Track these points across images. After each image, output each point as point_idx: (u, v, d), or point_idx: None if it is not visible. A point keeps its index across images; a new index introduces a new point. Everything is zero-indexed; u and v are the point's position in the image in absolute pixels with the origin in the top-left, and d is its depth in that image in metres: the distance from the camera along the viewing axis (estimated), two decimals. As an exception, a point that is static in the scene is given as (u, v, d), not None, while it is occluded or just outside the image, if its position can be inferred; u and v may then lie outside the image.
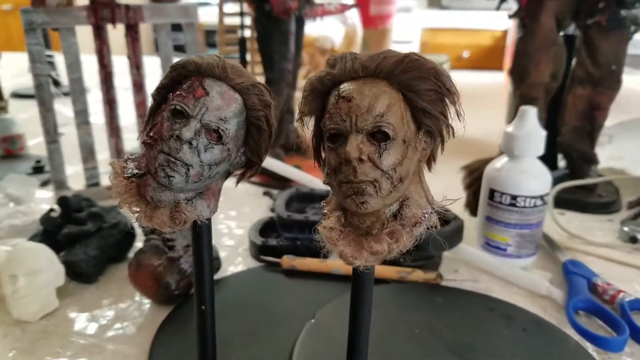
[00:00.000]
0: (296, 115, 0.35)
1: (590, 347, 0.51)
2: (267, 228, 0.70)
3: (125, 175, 0.36)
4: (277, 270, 0.63)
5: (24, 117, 1.10)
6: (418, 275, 0.60)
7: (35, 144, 1.04)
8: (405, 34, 3.13)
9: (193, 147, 0.34)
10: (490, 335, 0.52)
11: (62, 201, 0.65)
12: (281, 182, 0.89)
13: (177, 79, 0.36)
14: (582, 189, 0.83)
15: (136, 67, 0.79)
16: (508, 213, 0.62)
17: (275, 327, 0.53)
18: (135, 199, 0.35)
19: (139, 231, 0.68)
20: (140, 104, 0.82)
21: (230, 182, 0.41)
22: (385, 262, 0.61)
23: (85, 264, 0.60)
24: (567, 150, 0.85)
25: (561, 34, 0.81)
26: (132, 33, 0.77)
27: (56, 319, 0.55)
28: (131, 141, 0.93)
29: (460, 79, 1.21)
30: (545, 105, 0.82)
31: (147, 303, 0.58)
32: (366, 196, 0.30)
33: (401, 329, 0.52)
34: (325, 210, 0.34)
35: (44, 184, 0.87)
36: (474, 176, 0.72)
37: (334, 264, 0.61)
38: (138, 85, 0.81)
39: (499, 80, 1.82)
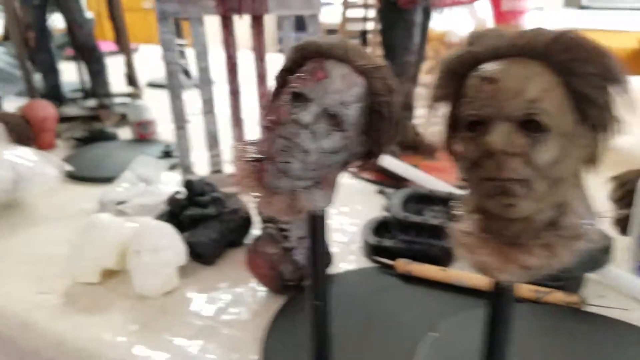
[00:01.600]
0: (424, 103, 0.31)
1: None
2: (380, 228, 0.68)
3: (245, 159, 0.35)
4: (391, 273, 0.60)
5: (157, 105, 1.18)
6: (557, 297, 0.53)
7: (165, 130, 1.11)
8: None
9: (312, 132, 0.32)
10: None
11: (187, 184, 0.68)
12: (396, 181, 0.85)
13: (299, 61, 0.35)
14: None
15: (260, 59, 0.81)
16: None
17: (389, 333, 0.50)
18: (255, 184, 0.34)
19: (256, 218, 0.69)
20: (263, 95, 0.83)
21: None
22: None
23: (207, 246, 0.61)
24: None
25: None
26: (257, 24, 0.79)
27: (175, 297, 0.57)
28: (254, 132, 0.96)
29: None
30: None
31: (261, 290, 0.58)
32: (514, 197, 0.26)
33: (534, 355, 0.46)
34: (461, 211, 0.31)
35: (172, 167, 0.92)
36: (625, 189, 0.64)
37: (458, 274, 0.57)
38: (262, 77, 0.82)
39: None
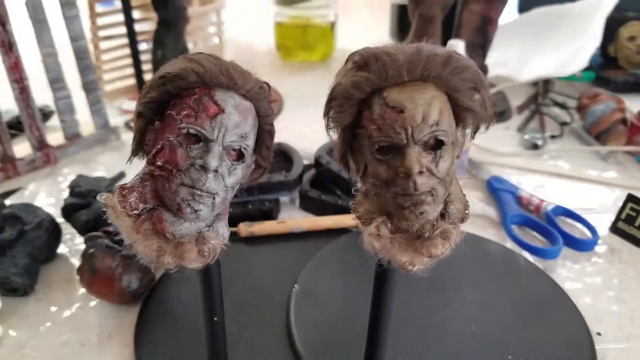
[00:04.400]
0: (327, 125, 0.32)
1: (531, 258, 0.59)
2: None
3: (132, 212, 0.31)
4: (235, 240, 0.60)
5: None
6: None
7: None
8: None
9: (217, 174, 0.30)
10: (454, 266, 0.57)
11: (-43, 208, 0.54)
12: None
13: (173, 92, 0.31)
14: (479, 101, 0.90)
15: (1, 23, 0.64)
16: None
17: (260, 302, 0.52)
18: (155, 239, 0.30)
19: (64, 224, 0.59)
20: (12, 66, 0.67)
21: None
22: (341, 211, 0.63)
23: (20, 277, 0.52)
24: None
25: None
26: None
27: (7, 347, 0.48)
28: (5, 107, 0.78)
29: None
30: (441, 23, 0.85)
31: (105, 305, 0.52)
32: (425, 205, 0.29)
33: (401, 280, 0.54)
34: (359, 213, 0.33)
35: None
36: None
37: (294, 222, 0.61)
38: (7, 45, 0.66)
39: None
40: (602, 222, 0.64)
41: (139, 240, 0.30)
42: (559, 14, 1.00)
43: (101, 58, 0.91)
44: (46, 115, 0.87)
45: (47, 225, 0.56)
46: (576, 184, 0.74)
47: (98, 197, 0.31)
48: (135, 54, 0.83)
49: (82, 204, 0.59)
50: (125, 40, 0.92)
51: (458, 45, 0.64)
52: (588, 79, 1.01)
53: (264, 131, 0.33)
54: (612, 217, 0.64)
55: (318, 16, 1.09)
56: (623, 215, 0.62)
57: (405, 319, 0.49)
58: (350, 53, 0.31)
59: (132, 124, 0.87)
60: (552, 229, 0.61)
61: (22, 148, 0.75)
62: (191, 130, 0.29)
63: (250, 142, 0.32)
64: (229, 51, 1.20)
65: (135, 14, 0.87)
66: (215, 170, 0.30)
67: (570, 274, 0.57)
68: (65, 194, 0.62)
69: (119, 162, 0.78)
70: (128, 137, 0.85)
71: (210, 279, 0.37)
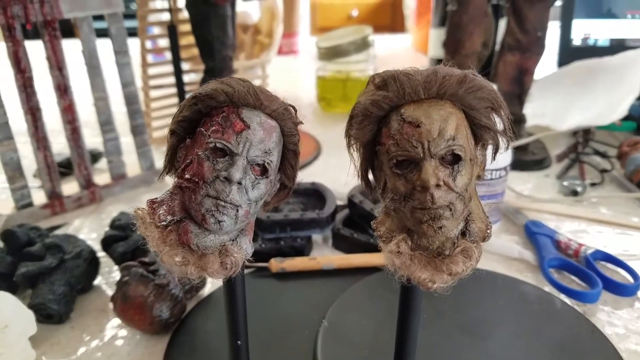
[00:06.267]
0: (348, 142, 0.33)
1: (569, 302, 0.56)
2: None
3: (160, 223, 0.32)
4: (267, 275, 0.61)
5: None
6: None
7: None
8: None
9: (241, 187, 0.31)
10: (488, 307, 0.55)
11: (6, 236, 0.57)
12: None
13: (203, 111, 0.33)
14: (517, 149, 0.89)
15: (58, 68, 0.70)
16: (477, 187, 0.65)
17: (288, 336, 0.52)
18: (179, 250, 0.31)
19: (104, 257, 0.62)
20: (66, 108, 0.73)
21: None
22: (372, 250, 0.62)
23: (56, 304, 0.53)
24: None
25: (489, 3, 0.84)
26: (49, 30, 0.67)
27: (38, 372, 0.49)
28: (58, 148, 0.84)
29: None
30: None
31: (136, 334, 0.53)
32: (443, 220, 0.30)
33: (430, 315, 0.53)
34: (380, 232, 0.33)
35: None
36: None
37: (325, 259, 0.61)
38: (62, 89, 0.71)
39: (406, 45, 1.88)
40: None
41: (165, 250, 0.31)
42: (598, 66, 1.00)
43: (150, 106, 0.97)
44: (95, 157, 0.92)
45: (86, 255, 0.58)
46: (617, 230, 0.71)
47: (129, 210, 0.33)
48: (181, 102, 0.88)
49: (121, 236, 0.61)
50: (174, 90, 0.98)
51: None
52: (628, 129, 1.00)
53: (289, 150, 0.35)
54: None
55: (357, 70, 1.13)
56: (669, 262, 0.59)
57: (439, 358, 0.47)
58: (371, 77, 0.32)
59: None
60: (591, 272, 0.59)
61: (70, 187, 0.79)
62: (218, 145, 0.31)
63: (274, 158, 0.33)
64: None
65: (184, 66, 0.93)
66: (239, 183, 0.31)
67: (610, 318, 0.54)
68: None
69: (159, 202, 0.81)
70: (170, 179, 0.88)
71: (234, 299, 0.37)
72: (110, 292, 0.60)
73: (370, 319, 0.53)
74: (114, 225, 0.62)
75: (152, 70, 0.96)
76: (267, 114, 0.33)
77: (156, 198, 0.33)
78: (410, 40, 1.89)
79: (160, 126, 1.01)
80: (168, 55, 0.93)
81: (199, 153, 0.31)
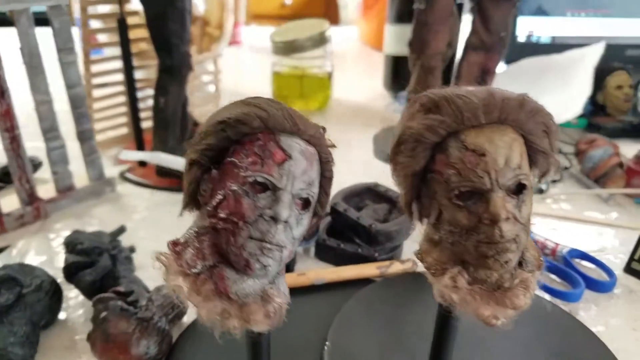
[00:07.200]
0: (395, 169, 0.30)
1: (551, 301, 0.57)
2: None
3: (191, 271, 0.27)
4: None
5: None
6: (397, 267, 0.60)
7: None
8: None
9: (287, 225, 0.27)
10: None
11: (-53, 270, 0.48)
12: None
13: (233, 138, 0.28)
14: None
15: (-6, 69, 0.61)
16: None
17: (290, 354, 0.48)
18: (218, 301, 0.27)
19: (65, 285, 0.54)
20: (4, 114, 0.64)
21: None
22: (361, 260, 0.60)
23: (20, 347, 0.46)
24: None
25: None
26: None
27: None
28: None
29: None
30: (441, 73, 0.86)
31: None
32: (509, 254, 0.28)
33: (421, 324, 0.52)
34: (428, 263, 0.31)
35: None
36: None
37: (316, 274, 0.57)
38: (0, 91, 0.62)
39: (352, 37, 1.87)
40: (614, 264, 0.64)
41: (201, 303, 0.27)
42: (547, 64, 1.03)
43: (93, 106, 0.88)
44: (35, 166, 0.82)
45: (47, 287, 0.51)
46: (583, 226, 0.74)
47: (155, 256, 0.28)
48: (133, 102, 0.81)
49: (86, 263, 0.54)
50: (119, 89, 0.90)
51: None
52: (581, 126, 1.04)
53: (325, 178, 0.31)
54: (622, 258, 0.64)
55: (315, 67, 1.10)
56: (637, 256, 0.62)
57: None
58: (413, 96, 0.30)
59: (127, 175, 0.83)
60: (571, 271, 0.60)
61: (9, 202, 0.70)
62: (258, 179, 0.27)
63: (316, 189, 0.29)
64: (226, 101, 1.18)
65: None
66: (285, 221, 0.27)
67: (593, 315, 0.56)
68: (59, 250, 0.57)
69: (114, 216, 0.74)
70: (123, 189, 0.81)
71: (260, 349, 0.33)
72: (75, 324, 0.53)
73: (372, 336, 0.51)
74: (75, 250, 0.55)
75: (95, 68, 0.87)
76: (305, 139, 0.29)
77: (178, 239, 0.29)
78: (356, 32, 1.87)
79: (104, 128, 0.92)
80: (108, 52, 0.84)
81: (234, 188, 0.27)
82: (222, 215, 0.27)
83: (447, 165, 0.28)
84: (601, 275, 0.63)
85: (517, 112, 0.28)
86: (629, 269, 0.63)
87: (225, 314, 0.27)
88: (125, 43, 0.75)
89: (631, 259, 0.62)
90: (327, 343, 0.49)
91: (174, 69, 0.73)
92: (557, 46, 1.16)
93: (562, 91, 0.96)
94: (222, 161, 0.29)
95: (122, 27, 0.74)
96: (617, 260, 0.65)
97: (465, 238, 0.28)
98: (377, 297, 0.56)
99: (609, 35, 1.15)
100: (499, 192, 0.27)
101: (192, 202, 0.30)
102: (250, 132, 0.28)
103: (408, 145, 0.29)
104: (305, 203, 0.29)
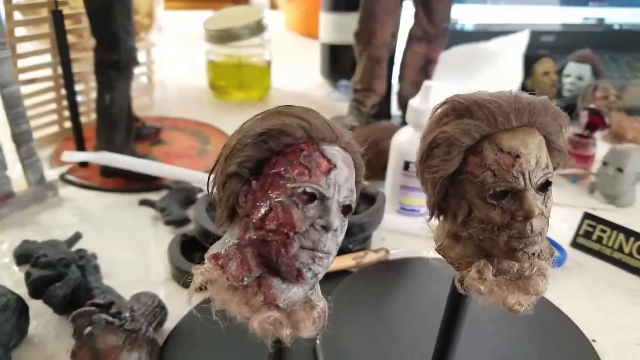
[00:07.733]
0: (426, 172, 0.31)
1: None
2: (186, 246, 0.61)
3: (240, 284, 0.27)
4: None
5: None
6: (371, 256, 0.61)
7: None
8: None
9: (335, 233, 0.28)
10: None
11: None
12: (145, 182, 0.76)
13: (275, 149, 0.28)
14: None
15: None
16: (407, 179, 0.69)
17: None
18: (268, 312, 0.27)
19: (30, 301, 0.50)
20: None
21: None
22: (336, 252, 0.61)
23: (-8, 377, 0.42)
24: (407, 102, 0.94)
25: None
26: None
27: None
28: None
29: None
30: (387, 64, 0.89)
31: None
32: (536, 246, 0.30)
33: (405, 311, 0.54)
34: (451, 258, 0.33)
35: None
36: (369, 143, 0.75)
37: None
38: None
39: (278, 23, 1.83)
40: (560, 240, 0.70)
41: (251, 314, 0.27)
42: (477, 52, 1.09)
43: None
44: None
45: (13, 305, 0.47)
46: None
47: (193, 270, 0.27)
48: (72, 99, 0.75)
49: (53, 276, 0.50)
50: (49, 84, 0.83)
51: (434, 86, 0.66)
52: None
53: (357, 183, 0.32)
54: (566, 234, 0.70)
55: (253, 55, 1.08)
56: (581, 231, 0.69)
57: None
58: (439, 102, 0.31)
59: (69, 177, 0.78)
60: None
61: (-61, 214, 0.63)
62: (307, 189, 0.27)
63: (355, 195, 0.30)
64: (160, 92, 1.13)
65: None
66: (335, 229, 0.27)
67: (549, 289, 0.61)
68: (9, 264, 0.53)
69: (59, 222, 0.69)
70: (66, 192, 0.75)
71: (287, 356, 0.33)
72: (43, 340, 0.49)
73: (361, 327, 0.52)
74: (38, 262, 0.51)
75: (22, 63, 0.79)
76: (342, 147, 0.29)
77: (218, 253, 0.28)
78: (281, 19, 1.85)
79: (36, 126, 0.84)
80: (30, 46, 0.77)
81: (280, 199, 0.27)
82: (271, 227, 0.27)
83: (481, 167, 0.29)
84: (550, 251, 0.69)
85: (543, 115, 0.30)
86: (574, 244, 0.69)
87: (277, 323, 0.27)
88: (61, 35, 0.70)
89: (576, 234, 0.69)
90: (317, 337, 0.49)
91: (120, 64, 0.68)
92: (480, 33, 1.22)
93: (494, 78, 1.02)
94: (260, 172, 0.28)
95: (58, 19, 0.68)
96: (562, 237, 0.70)
97: (497, 234, 0.30)
98: (358, 287, 0.57)
99: (527, 23, 1.24)
100: (531, 191, 0.29)
101: (231, 217, 0.30)
102: (292, 142, 0.28)
103: (442, 149, 0.30)
104: (347, 209, 0.29)
